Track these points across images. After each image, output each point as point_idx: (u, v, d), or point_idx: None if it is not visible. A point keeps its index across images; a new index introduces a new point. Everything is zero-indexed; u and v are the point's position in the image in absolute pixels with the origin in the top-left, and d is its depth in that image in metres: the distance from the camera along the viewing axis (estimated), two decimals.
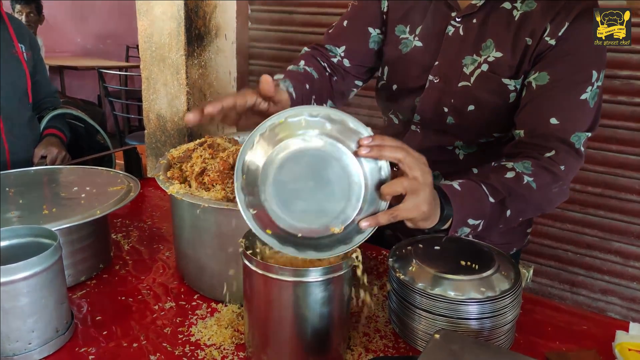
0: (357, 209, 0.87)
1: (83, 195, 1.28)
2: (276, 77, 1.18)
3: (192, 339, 1.04)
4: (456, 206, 0.97)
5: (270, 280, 0.90)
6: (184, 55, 2.26)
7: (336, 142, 0.88)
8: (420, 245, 1.11)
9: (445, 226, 1.00)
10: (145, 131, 2.44)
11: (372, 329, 1.10)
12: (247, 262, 0.93)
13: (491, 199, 1.02)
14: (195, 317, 1.11)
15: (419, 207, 0.85)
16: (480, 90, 1.19)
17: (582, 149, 1.11)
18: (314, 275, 0.88)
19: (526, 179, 1.05)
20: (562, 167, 1.08)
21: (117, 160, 2.81)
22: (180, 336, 1.05)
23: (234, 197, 1.08)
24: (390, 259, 1.10)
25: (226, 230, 1.07)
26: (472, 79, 1.20)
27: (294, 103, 1.14)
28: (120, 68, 5.54)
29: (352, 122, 0.88)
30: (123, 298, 1.18)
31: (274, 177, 0.89)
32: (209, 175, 1.10)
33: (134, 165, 1.89)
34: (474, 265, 1.03)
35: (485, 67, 1.18)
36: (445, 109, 1.25)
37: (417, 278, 1.02)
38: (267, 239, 0.87)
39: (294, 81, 1.19)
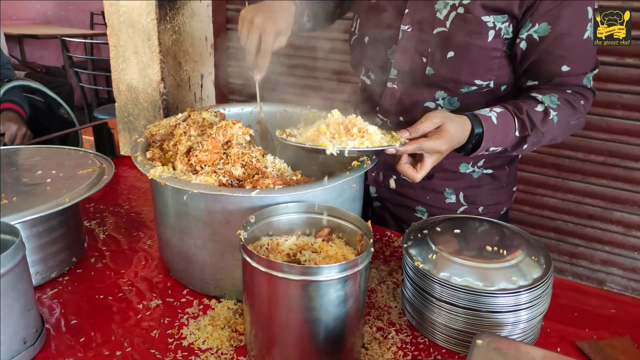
0: None
1: (49, 180, 1.12)
2: None
3: (184, 342, 0.91)
4: (487, 137, 1.06)
5: (275, 279, 0.77)
6: (156, 20, 2.05)
7: None
8: (438, 229, 1.00)
9: (466, 151, 1.10)
10: (116, 104, 2.25)
11: (386, 321, 0.99)
12: (247, 258, 0.80)
13: (516, 133, 1.11)
14: (186, 316, 0.98)
15: (441, 147, 1.00)
16: (459, 33, 1.13)
17: (591, 85, 1.18)
18: (327, 273, 0.75)
19: (552, 114, 1.11)
20: (582, 102, 1.15)
21: (85, 136, 2.60)
22: (170, 340, 0.92)
23: (227, 181, 0.94)
24: (404, 244, 0.98)
25: (218, 217, 0.93)
26: (448, 24, 1.14)
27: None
28: (85, 36, 5.18)
29: None
30: (101, 297, 1.03)
31: None
32: (196, 156, 0.95)
33: (106, 143, 1.71)
34: (501, 250, 0.92)
35: (461, 9, 1.12)
36: (424, 59, 1.18)
37: (439, 267, 0.91)
38: None
39: None
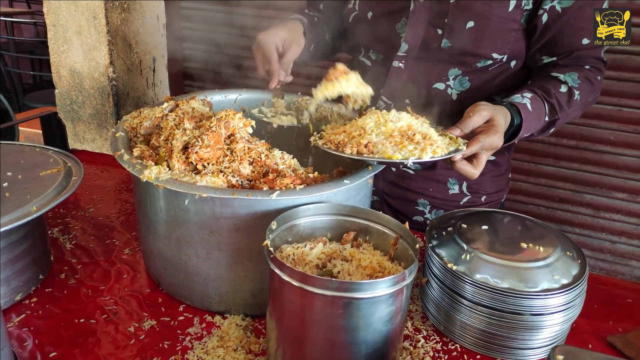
0: None
1: (5, 184, 0.93)
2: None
3: None
4: (524, 125, 1.03)
5: (310, 295, 0.67)
6: None
7: None
8: (464, 225, 0.93)
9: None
10: (56, 91, 2.01)
11: (411, 328, 0.91)
12: (277, 270, 0.69)
13: (546, 118, 1.09)
14: (189, 337, 0.85)
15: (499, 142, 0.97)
16: (479, 1, 1.07)
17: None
18: (373, 289, 0.66)
19: (575, 94, 1.09)
20: (599, 77, 1.14)
21: (21, 127, 2.32)
22: None
23: (237, 181, 0.82)
24: (429, 244, 0.90)
25: (227, 224, 0.80)
26: None
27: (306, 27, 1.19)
28: (6, 14, 4.66)
29: None
30: (82, 320, 0.88)
31: None
32: (196, 153, 0.82)
33: (56, 136, 1.50)
34: (537, 246, 0.87)
35: None
36: (439, 31, 1.11)
37: (474, 268, 0.84)
38: None
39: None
